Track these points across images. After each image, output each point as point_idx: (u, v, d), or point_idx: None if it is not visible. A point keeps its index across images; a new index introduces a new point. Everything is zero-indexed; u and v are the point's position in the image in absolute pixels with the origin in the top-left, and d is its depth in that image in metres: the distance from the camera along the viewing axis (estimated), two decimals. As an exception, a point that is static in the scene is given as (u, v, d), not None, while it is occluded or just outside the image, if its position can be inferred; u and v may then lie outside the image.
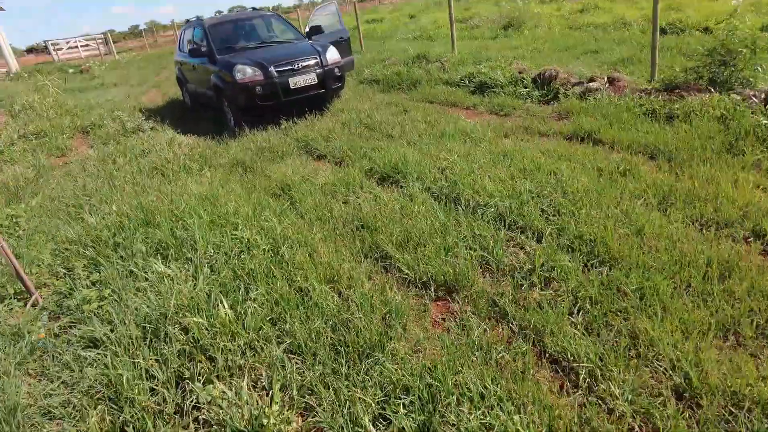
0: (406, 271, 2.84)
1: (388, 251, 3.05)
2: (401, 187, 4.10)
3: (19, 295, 3.27)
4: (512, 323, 2.39)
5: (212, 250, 3.12)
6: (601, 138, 4.74)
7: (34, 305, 3.19)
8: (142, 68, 20.63)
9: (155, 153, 5.69)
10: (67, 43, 34.11)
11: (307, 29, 8.32)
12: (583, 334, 2.25)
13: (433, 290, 2.71)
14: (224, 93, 6.98)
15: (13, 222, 4.19)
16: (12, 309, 3.14)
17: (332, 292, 2.66)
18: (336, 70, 7.14)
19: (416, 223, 3.29)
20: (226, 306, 2.50)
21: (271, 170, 4.95)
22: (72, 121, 9.25)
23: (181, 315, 2.46)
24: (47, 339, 2.75)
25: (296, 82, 6.69)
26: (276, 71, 6.60)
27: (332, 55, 7.17)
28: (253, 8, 9.16)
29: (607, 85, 6.14)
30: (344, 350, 2.26)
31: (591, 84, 6.25)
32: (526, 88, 6.89)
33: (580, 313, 2.39)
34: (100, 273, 3.18)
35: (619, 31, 10.53)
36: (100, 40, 33.62)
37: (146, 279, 2.97)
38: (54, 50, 33.30)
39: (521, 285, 2.66)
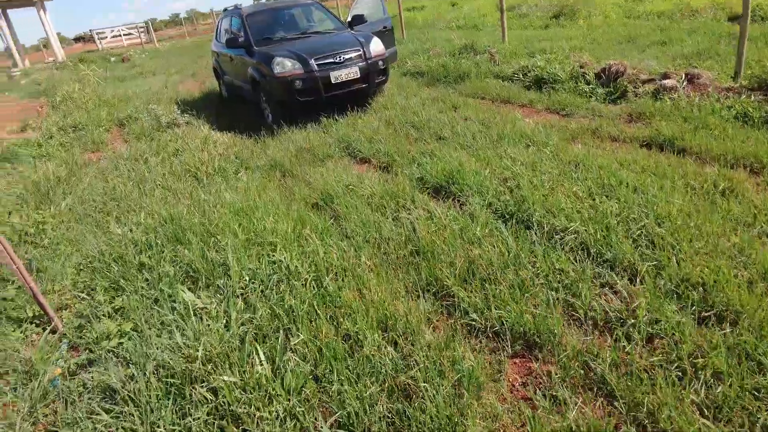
0: (474, 315, 2.37)
1: (449, 287, 2.58)
2: (458, 201, 3.61)
3: (38, 319, 2.97)
4: (616, 399, 1.89)
5: (247, 278, 2.73)
6: (685, 146, 4.11)
7: (53, 331, 2.89)
8: (181, 56, 20.63)
9: (189, 152, 5.37)
10: (111, 31, 34.70)
11: (348, 18, 7.84)
12: (714, 422, 1.74)
13: (509, 343, 2.23)
14: (262, 87, 6.61)
15: (40, 229, 3.92)
16: (28, 336, 2.84)
17: (387, 343, 2.21)
18: (380, 62, 6.65)
19: (481, 251, 2.80)
20: (262, 357, 2.10)
21: (312, 175, 4.54)
22: (109, 113, 9.11)
23: (210, 368, 2.06)
24: (62, 379, 2.42)
25: (338, 76, 6.24)
26: (317, 64, 6.17)
27: (376, 47, 6.68)
28: (294, -4, 8.74)
29: (684, 83, 5.44)
30: (406, 428, 1.82)
31: (665, 81, 5.56)
32: (588, 84, 6.24)
33: (703, 389, 1.87)
34: (122, 298, 2.84)
35: (687, 20, 9.62)
36: (142, 29, 34.04)
37: (173, 309, 2.60)
38: (98, 39, 33.95)
39: (617, 339, 2.16)
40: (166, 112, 7.72)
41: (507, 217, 3.26)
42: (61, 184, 5.16)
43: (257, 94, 6.93)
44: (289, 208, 3.73)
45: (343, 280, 2.68)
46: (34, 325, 2.94)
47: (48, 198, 4.75)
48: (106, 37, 34.10)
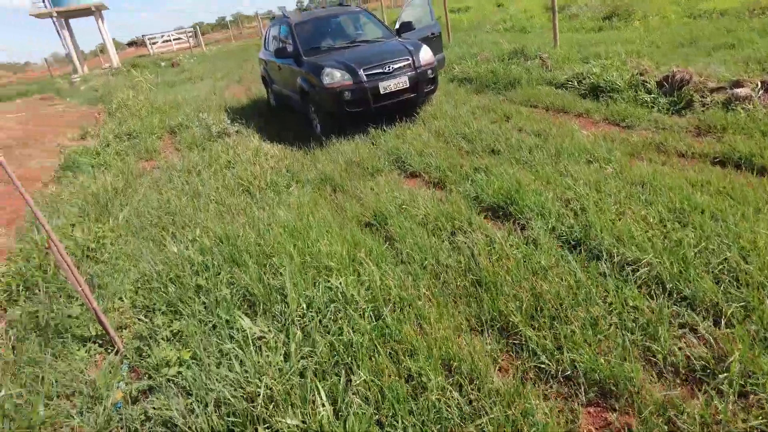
0: (544, 358, 2.24)
1: (515, 323, 2.45)
2: (518, 224, 3.46)
3: (101, 338, 3.03)
4: (710, 466, 1.73)
5: (305, 305, 2.68)
6: (765, 165, 3.81)
7: (114, 352, 2.94)
8: (227, 60, 21.11)
9: (241, 165, 5.42)
10: (162, 36, 36.01)
11: (396, 26, 7.76)
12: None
13: (583, 390, 2.09)
14: (311, 97, 6.61)
15: (100, 244, 4.03)
16: (92, 356, 2.89)
17: (452, 387, 2.11)
18: (429, 71, 6.54)
19: (548, 285, 2.65)
20: (324, 398, 2.04)
21: (362, 190, 4.49)
22: (161, 121, 9.39)
23: (272, 407, 2.02)
24: (123, 404, 2.45)
25: (387, 86, 6.17)
26: (366, 75, 6.12)
27: (425, 55, 6.57)
28: (341, 3, 8.74)
29: (761, 91, 5.07)
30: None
31: (738, 90, 5.20)
32: (649, 93, 5.91)
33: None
34: (180, 321, 2.86)
35: (757, 19, 9.02)
36: (190, 34, 35.16)
37: (231, 337, 2.59)
38: (150, 44, 35.32)
39: (705, 392, 1.98)
40: (216, 120, 7.87)
41: (573, 244, 3.10)
42: (118, 195, 5.31)
43: (306, 105, 6.95)
44: (342, 228, 3.68)
45: (401, 311, 2.60)
46: (96, 344, 2.99)
47: (107, 210, 4.89)
48: (157, 42, 35.45)
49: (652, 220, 3.13)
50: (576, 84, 6.90)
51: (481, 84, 8.19)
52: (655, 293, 2.53)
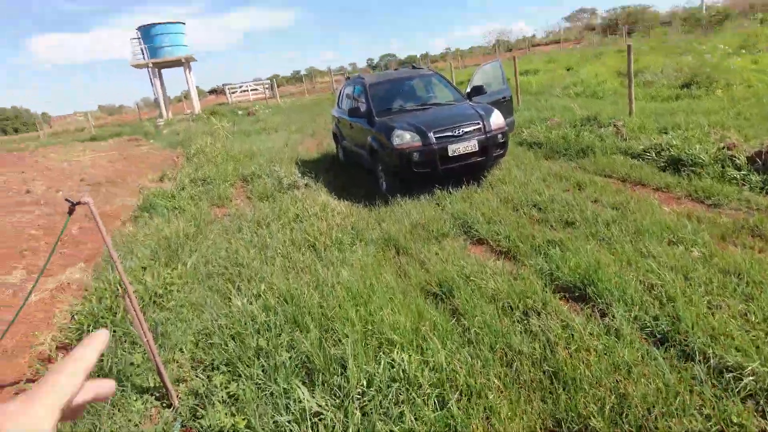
0: (633, 476, 1.97)
1: (596, 429, 2.20)
2: (598, 309, 3.21)
3: (158, 391, 3.03)
4: None
5: (365, 383, 2.56)
6: None
7: (169, 406, 2.92)
8: (300, 113, 22.15)
9: (308, 220, 5.50)
10: (240, 86, 38.56)
11: (468, 89, 7.85)
12: None
13: None
14: (379, 156, 6.72)
15: (167, 290, 4.13)
16: (147, 409, 2.88)
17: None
18: (499, 136, 6.50)
19: (633, 385, 2.39)
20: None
21: (427, 255, 4.39)
22: (235, 168, 9.83)
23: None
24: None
25: (456, 149, 6.17)
26: (435, 137, 6.16)
27: (496, 120, 6.55)
28: (413, 66, 9.00)
29: None
30: None
31: (844, 173, 4.76)
32: (739, 170, 5.54)
33: None
34: (238, 383, 2.80)
35: None
36: (267, 85, 37.43)
37: (287, 407, 2.49)
38: (229, 93, 37.86)
39: None
40: (287, 173, 8.14)
41: (659, 337, 2.81)
42: (189, 240, 5.50)
43: (374, 163, 7.07)
44: (405, 295, 3.58)
45: (469, 401, 2.41)
46: (153, 397, 2.99)
47: (177, 255, 5.06)
48: (236, 92, 37.95)
49: (753, 319, 2.81)
50: (654, 155, 6.60)
51: (552, 149, 8.03)
52: (766, 410, 2.21)
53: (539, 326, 2.98)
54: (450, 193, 6.15)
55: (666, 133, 7.39)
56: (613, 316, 3.03)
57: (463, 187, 6.28)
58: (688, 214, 4.62)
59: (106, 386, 0.51)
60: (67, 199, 2.54)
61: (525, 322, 3.11)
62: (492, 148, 6.42)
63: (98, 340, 0.50)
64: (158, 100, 31.93)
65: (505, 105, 8.30)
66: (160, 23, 30.11)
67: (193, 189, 8.53)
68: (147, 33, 29.77)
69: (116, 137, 23.80)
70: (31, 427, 0.39)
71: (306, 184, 7.62)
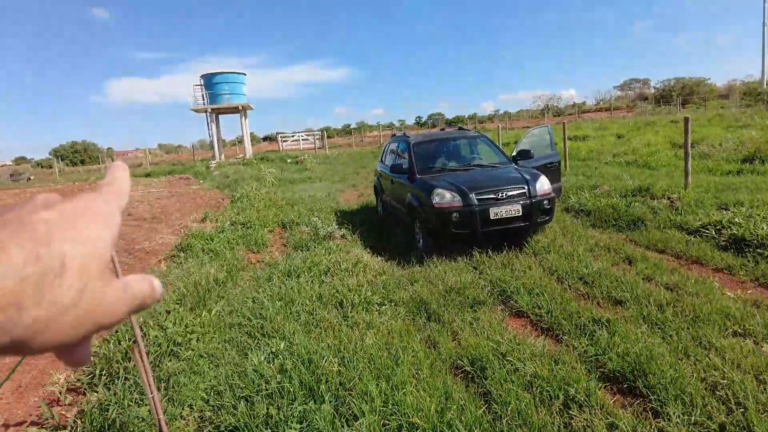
0: None
1: None
2: (649, 407, 2.81)
3: (159, 453, 2.81)
4: None
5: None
6: None
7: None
8: (346, 165, 22.56)
9: (339, 274, 5.33)
10: (292, 135, 39.97)
11: (514, 153, 7.69)
12: None
13: None
14: (418, 214, 6.56)
15: (187, 339, 3.98)
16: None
17: None
18: (545, 202, 6.23)
19: None
20: None
21: (460, 324, 4.09)
22: (275, 215, 9.89)
23: None
24: None
25: (498, 212, 5.93)
26: (477, 199, 5.96)
27: (542, 185, 6.31)
28: (459, 127, 8.96)
29: None
30: None
31: None
32: (814, 256, 5.03)
33: None
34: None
35: None
36: (317, 136, 38.61)
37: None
38: (281, 141, 39.25)
39: None
40: (324, 222, 8.08)
41: (727, 452, 2.40)
42: (217, 286, 5.41)
43: (412, 220, 6.91)
44: (433, 370, 3.28)
45: None
46: (153, 460, 2.77)
47: (203, 301, 4.95)
48: (287, 141, 39.31)
49: None
50: (713, 233, 6.14)
51: (600, 219, 7.65)
52: None
53: (581, 422, 2.61)
54: (489, 257, 5.86)
55: (726, 209, 6.91)
56: (669, 418, 2.64)
57: (504, 252, 5.99)
58: (756, 302, 4.17)
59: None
60: None
61: (565, 415, 2.75)
62: (536, 213, 6.15)
63: (122, 166, 0.46)
64: (213, 142, 33.44)
65: (553, 170, 8.06)
66: (222, 72, 31.99)
67: (232, 232, 8.57)
68: (209, 81, 31.64)
69: (169, 175, 24.90)
70: (111, 212, 0.39)
71: (342, 235, 7.51)
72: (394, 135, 9.18)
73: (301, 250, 6.88)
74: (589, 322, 3.94)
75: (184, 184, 20.44)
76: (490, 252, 5.97)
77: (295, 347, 3.59)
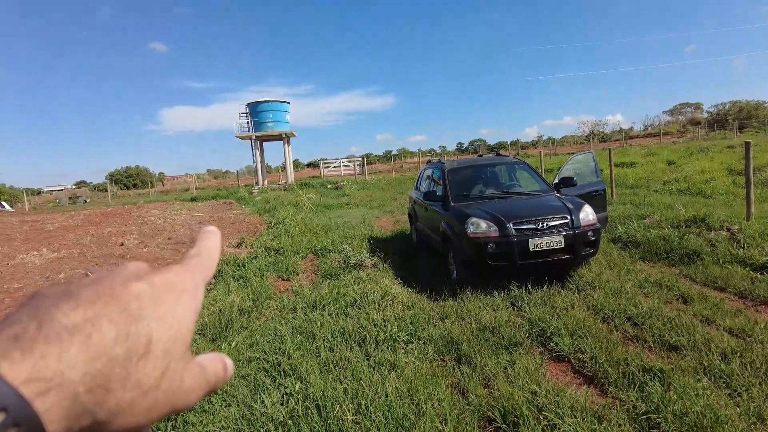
0: None
1: None
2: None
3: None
4: None
5: None
6: None
7: None
8: (384, 191, 22.45)
9: (365, 308, 5.06)
10: (334, 162, 40.47)
11: (556, 180, 7.28)
12: None
13: None
14: (452, 244, 6.24)
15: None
16: None
17: None
18: (589, 233, 5.78)
19: None
20: None
21: (493, 368, 3.72)
22: (309, 241, 9.77)
23: None
24: None
25: (538, 244, 5.54)
26: (515, 229, 5.60)
27: (587, 216, 5.88)
28: (498, 153, 8.64)
29: None
30: None
31: None
32: None
33: None
34: None
35: None
36: (358, 162, 38.92)
37: None
38: (323, 167, 39.77)
39: None
40: (356, 251, 7.87)
41: None
42: (241, 316, 5.24)
43: (446, 250, 6.59)
44: (459, 422, 2.94)
45: None
46: None
47: (225, 332, 4.78)
48: (329, 167, 39.80)
49: None
50: (784, 270, 5.52)
51: (650, 251, 7.08)
52: None
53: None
54: (528, 292, 5.46)
55: (797, 244, 6.25)
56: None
57: (545, 287, 5.57)
58: (840, 355, 3.60)
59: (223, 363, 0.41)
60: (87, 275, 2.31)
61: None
62: (580, 245, 5.71)
63: (215, 234, 0.46)
64: (257, 168, 34.22)
65: (598, 199, 7.58)
66: (266, 101, 32.90)
67: (265, 258, 8.48)
68: (254, 109, 32.58)
69: (213, 200, 25.50)
70: (197, 287, 0.38)
71: (374, 264, 7.26)
72: (429, 161, 8.95)
73: (331, 279, 6.66)
74: (639, 371, 3.49)
75: (227, 208, 20.83)
76: (529, 287, 5.57)
77: (310, 389, 3.32)
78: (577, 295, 5.34)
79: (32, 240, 15.25)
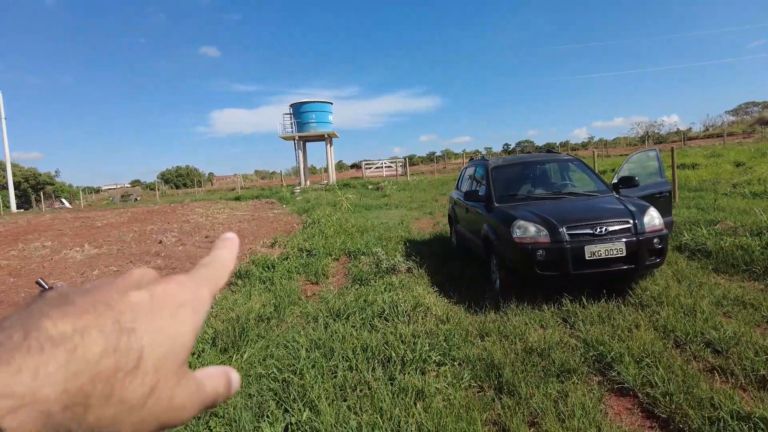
0: None
1: None
2: None
3: None
4: None
5: None
6: None
7: None
8: (425, 192, 21.82)
9: (394, 320, 4.49)
10: (375, 163, 40.12)
11: (615, 180, 6.47)
12: None
13: None
14: (495, 249, 5.57)
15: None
16: None
17: None
18: (655, 240, 5.00)
19: None
20: None
21: (541, 401, 3.08)
22: (343, 242, 9.30)
23: None
24: None
25: (595, 251, 4.82)
26: (568, 234, 4.90)
27: (652, 220, 5.10)
28: (549, 150, 7.88)
29: None
30: None
31: None
32: None
33: None
34: None
35: None
36: (401, 163, 38.39)
37: None
38: (365, 168, 39.48)
39: None
40: (389, 254, 7.32)
41: None
42: (260, 323, 4.79)
43: (488, 255, 5.92)
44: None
45: None
46: None
47: (239, 341, 4.33)
48: (371, 168, 39.46)
49: None
50: None
51: (725, 262, 6.16)
52: None
53: None
54: (583, 306, 4.75)
55: None
56: None
57: (603, 301, 4.84)
58: None
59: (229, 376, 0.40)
60: (38, 282, 1.87)
61: None
62: (644, 254, 4.94)
63: (233, 243, 0.44)
64: (299, 169, 34.30)
65: (662, 201, 6.69)
66: (309, 102, 32.91)
67: (295, 260, 8.07)
68: (297, 110, 32.65)
69: (255, 199, 25.62)
70: (200, 300, 0.37)
71: (408, 269, 6.69)
72: (472, 158, 8.28)
73: (360, 284, 6.14)
74: (729, 416, 2.76)
75: (268, 208, 20.78)
76: (583, 300, 4.85)
77: (319, 420, 2.80)
78: (641, 312, 4.58)
79: (80, 236, 15.60)
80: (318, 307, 5.17)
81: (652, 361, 3.49)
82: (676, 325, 4.13)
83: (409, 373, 3.48)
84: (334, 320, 4.61)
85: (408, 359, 3.64)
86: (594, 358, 3.73)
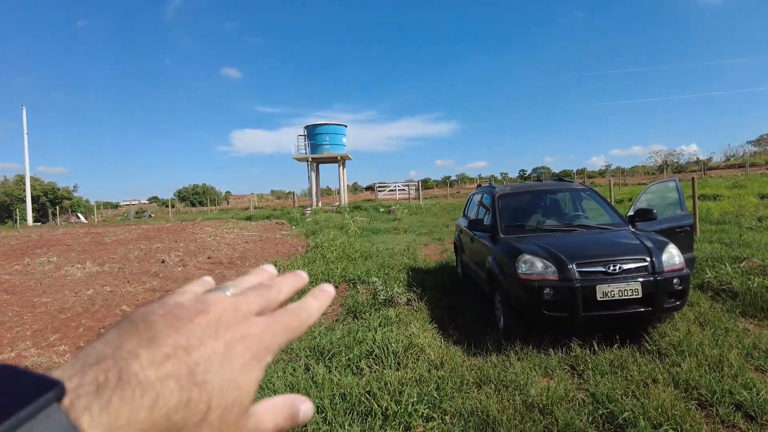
0: None
1: None
2: None
3: None
4: None
5: None
6: None
7: None
8: (436, 216, 21.42)
9: (382, 362, 4.07)
10: (389, 185, 39.92)
11: (631, 212, 6.03)
12: None
13: None
14: (499, 284, 5.13)
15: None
16: None
17: None
18: (675, 281, 4.53)
19: None
20: None
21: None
22: (344, 269, 8.92)
23: None
24: None
25: (607, 291, 4.37)
26: (578, 271, 4.46)
27: (671, 257, 4.64)
28: (559, 178, 7.47)
29: None
30: None
31: None
32: None
33: None
34: None
35: None
36: (414, 186, 38.10)
37: None
38: (378, 190, 39.29)
39: None
40: (388, 284, 6.91)
41: None
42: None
43: (492, 290, 5.49)
44: None
45: None
46: None
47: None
48: (384, 191, 39.25)
49: None
50: None
51: (754, 305, 5.62)
52: None
53: None
54: (593, 352, 4.28)
55: None
56: None
57: (616, 347, 4.36)
58: None
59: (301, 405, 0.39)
60: None
61: None
62: (663, 295, 4.47)
63: (327, 296, 0.43)
64: (311, 190, 34.21)
65: (683, 236, 6.21)
66: (324, 124, 33.01)
67: (292, 286, 7.70)
68: (312, 131, 32.75)
69: (266, 219, 25.47)
70: (272, 352, 0.36)
71: (408, 301, 6.27)
72: (479, 185, 7.89)
73: (354, 317, 5.74)
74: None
75: (277, 229, 20.55)
76: (594, 345, 4.38)
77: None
78: (659, 362, 4.09)
79: (87, 251, 15.49)
80: (302, 344, 4.77)
81: (672, 426, 3.02)
82: (700, 380, 3.64)
83: (391, 427, 3.05)
84: (317, 361, 4.20)
85: (391, 412, 3.21)
86: (603, 417, 3.27)
